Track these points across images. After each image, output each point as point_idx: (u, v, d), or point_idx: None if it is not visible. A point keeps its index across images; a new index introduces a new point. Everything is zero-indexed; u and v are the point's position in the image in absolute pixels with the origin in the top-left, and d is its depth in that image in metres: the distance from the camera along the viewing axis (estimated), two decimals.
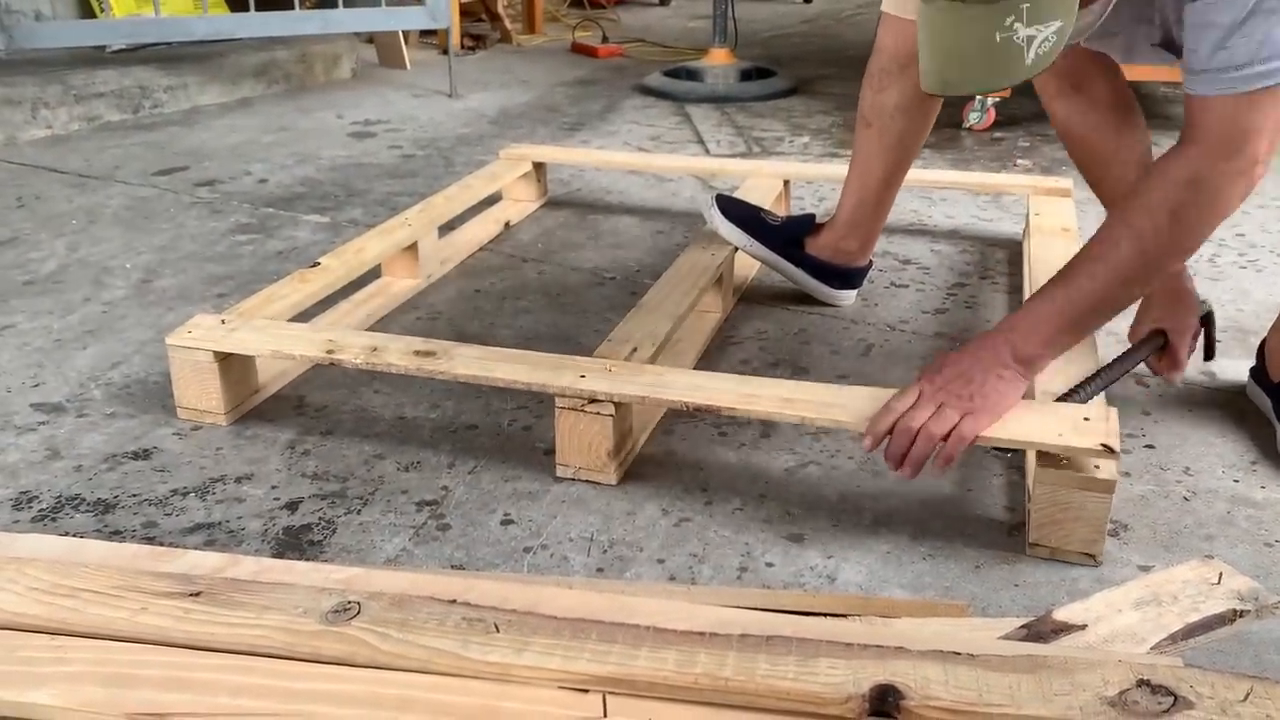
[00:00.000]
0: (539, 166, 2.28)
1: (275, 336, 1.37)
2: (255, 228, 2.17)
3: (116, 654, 0.84)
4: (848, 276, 1.77)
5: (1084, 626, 0.89)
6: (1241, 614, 0.91)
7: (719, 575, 1.11)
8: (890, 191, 1.71)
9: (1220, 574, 0.94)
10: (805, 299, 1.80)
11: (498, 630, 0.85)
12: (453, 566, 1.12)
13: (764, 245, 1.75)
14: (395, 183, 2.50)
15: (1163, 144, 2.72)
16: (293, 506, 1.22)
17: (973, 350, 1.19)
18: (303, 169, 2.60)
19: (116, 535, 1.17)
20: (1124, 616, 0.90)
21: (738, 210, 1.76)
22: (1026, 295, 1.63)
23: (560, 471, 1.27)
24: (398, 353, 1.32)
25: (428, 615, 0.87)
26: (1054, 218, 1.84)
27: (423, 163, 2.68)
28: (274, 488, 1.26)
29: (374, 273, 1.80)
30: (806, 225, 1.77)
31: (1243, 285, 1.87)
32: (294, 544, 1.16)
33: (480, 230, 2.08)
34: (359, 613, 0.88)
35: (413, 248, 1.81)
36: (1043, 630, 0.89)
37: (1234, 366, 1.56)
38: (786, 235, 1.75)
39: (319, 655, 0.84)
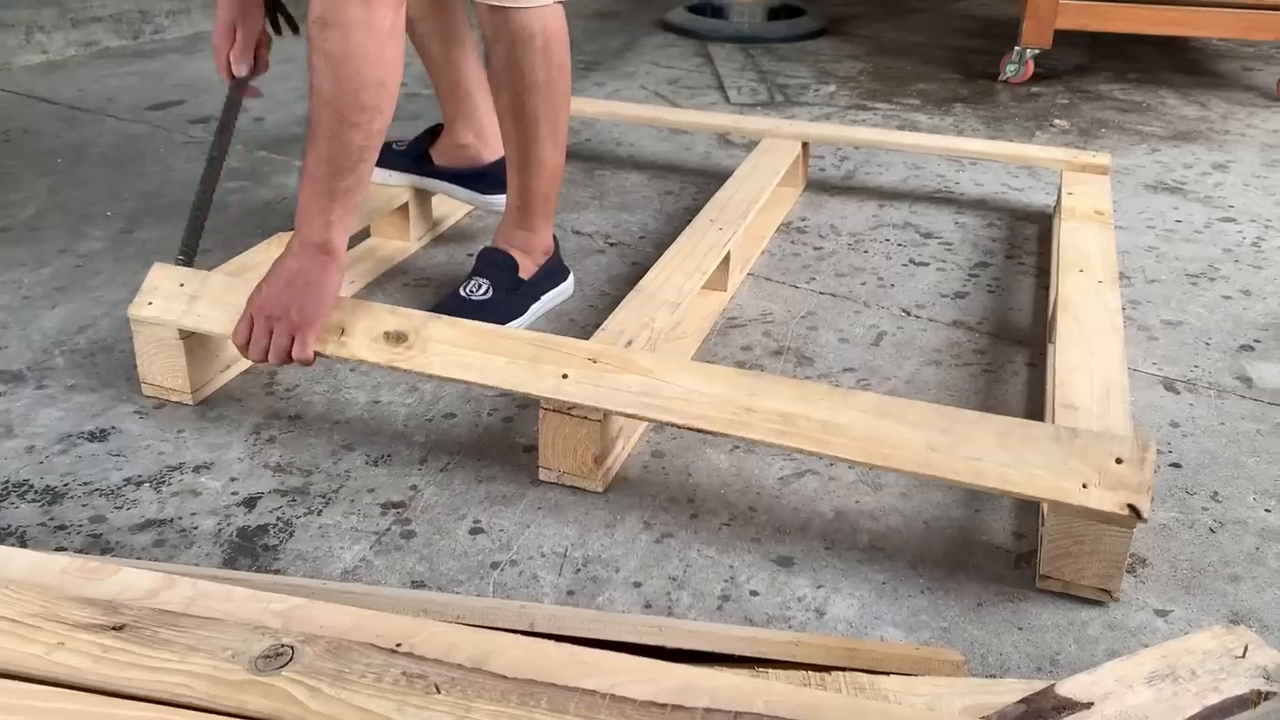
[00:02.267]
0: None
1: (236, 307, 1.27)
2: (246, 173, 2.07)
3: (22, 698, 0.77)
4: (487, 177, 1.68)
5: (1090, 705, 0.81)
6: (1267, 696, 0.82)
7: (698, 604, 1.03)
8: (457, 69, 1.63)
9: (1246, 646, 0.85)
10: (815, 278, 1.69)
11: (438, 691, 0.77)
12: (412, 583, 1.04)
13: (398, 171, 1.69)
14: (395, 126, 2.36)
15: (1211, 104, 2.57)
16: (251, 503, 1.15)
17: (280, 261, 1.23)
18: (303, 106, 2.48)
19: (61, 530, 1.10)
20: (1136, 694, 0.82)
21: None
22: (1054, 279, 1.52)
23: (543, 475, 1.19)
24: (366, 342, 1.23)
25: (365, 667, 0.79)
26: (1087, 199, 1.71)
27: (428, 102, 2.55)
28: (233, 480, 1.18)
29: (363, 232, 1.70)
30: (427, 137, 1.70)
31: None
32: (247, 548, 1.08)
33: None
34: (291, 659, 0.80)
35: (403, 208, 1.71)
36: (1044, 708, 0.80)
37: (1272, 371, 1.45)
38: (413, 154, 1.70)
39: (243, 709, 0.77)
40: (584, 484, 1.17)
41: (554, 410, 1.15)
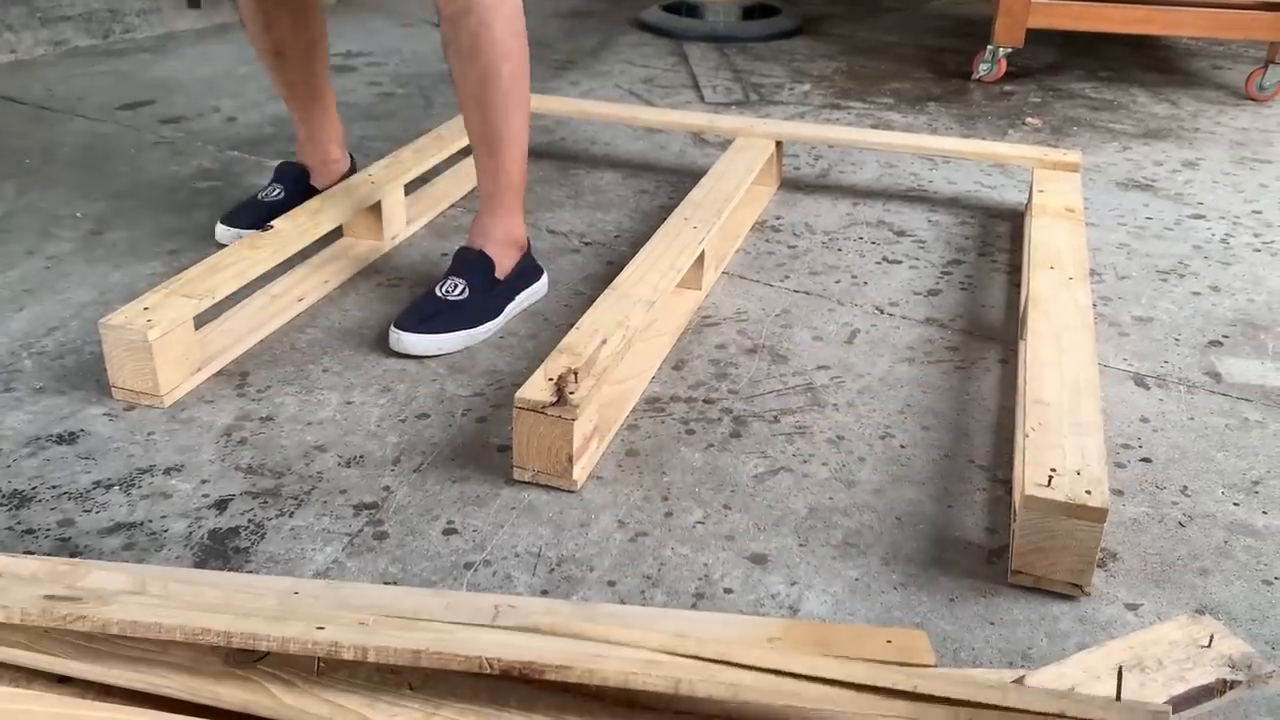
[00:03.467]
0: None
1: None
2: (218, 174, 2.05)
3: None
4: None
5: None
6: (1232, 684, 0.83)
7: (673, 602, 1.03)
8: (313, 71, 1.72)
9: (1211, 636, 0.86)
10: (789, 276, 1.70)
11: (411, 688, 0.77)
12: (385, 583, 1.04)
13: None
14: (370, 125, 2.37)
15: (1182, 102, 2.58)
16: (221, 506, 1.14)
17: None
18: (275, 106, 2.47)
19: (29, 534, 1.09)
20: (1103, 684, 0.82)
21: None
22: (1025, 276, 1.53)
23: (517, 474, 1.18)
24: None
25: (339, 663, 0.79)
26: (1058, 196, 1.73)
27: (401, 102, 2.55)
28: (204, 482, 1.17)
29: (335, 231, 1.69)
30: (300, 176, 1.79)
31: (1257, 272, 1.77)
32: (218, 550, 1.07)
33: (452, 185, 1.96)
34: (267, 654, 0.80)
35: (376, 207, 1.70)
36: None
37: (1241, 366, 1.47)
38: (299, 190, 1.77)
39: (219, 701, 0.77)
40: (558, 483, 1.17)
41: (528, 409, 1.15)
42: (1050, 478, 1.05)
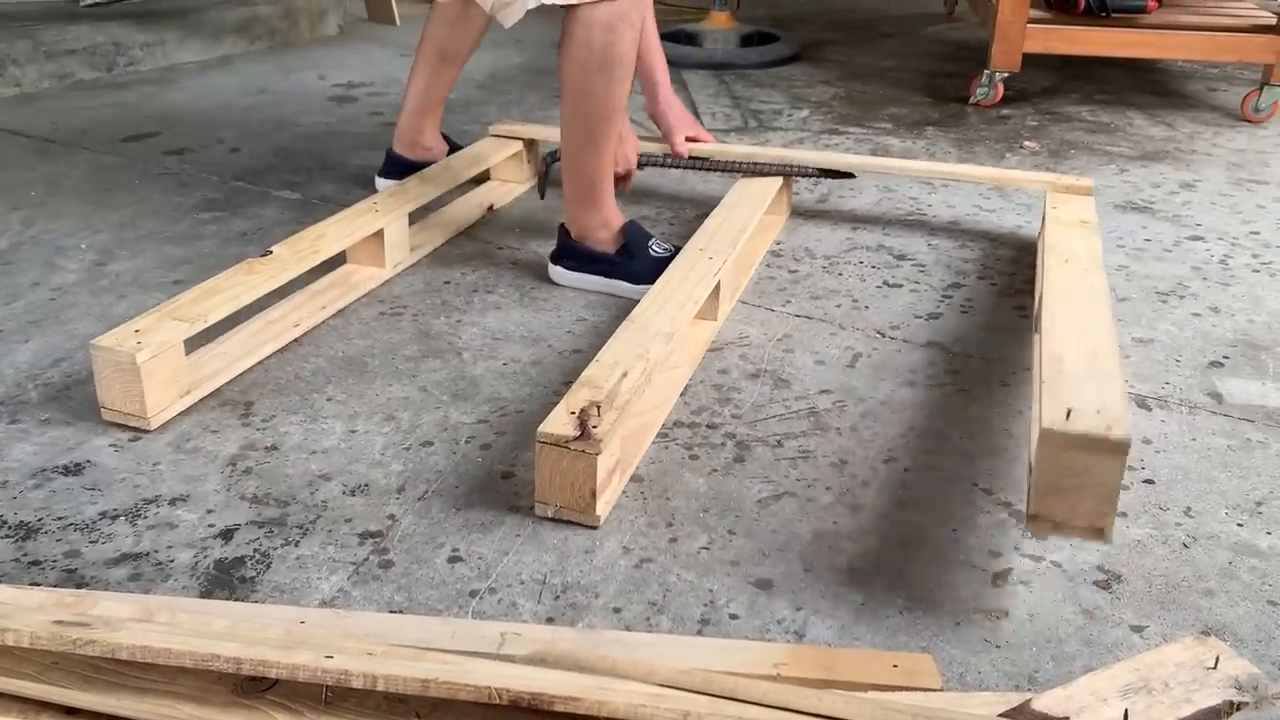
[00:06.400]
0: (529, 145, 2.17)
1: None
2: (221, 204, 2.07)
3: None
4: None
5: (1065, 719, 0.81)
6: (1238, 706, 0.83)
7: (678, 629, 1.03)
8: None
9: (1217, 657, 0.86)
10: (791, 301, 1.70)
11: (419, 717, 0.77)
12: (391, 612, 1.04)
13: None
14: (373, 155, 2.38)
15: (1178, 124, 2.60)
16: (227, 535, 1.14)
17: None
18: (278, 137, 2.49)
19: (35, 565, 1.09)
20: (1110, 707, 0.82)
21: None
22: (1037, 297, 1.53)
23: (539, 510, 1.17)
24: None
25: (347, 692, 0.79)
26: (1072, 211, 1.73)
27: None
28: (210, 512, 1.18)
29: (340, 257, 1.70)
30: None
31: (1256, 292, 1.77)
32: (224, 580, 1.08)
33: (459, 213, 1.97)
34: (276, 683, 0.80)
35: (378, 234, 1.71)
36: None
37: (1242, 387, 1.47)
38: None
39: None
40: (580, 518, 1.15)
41: (552, 444, 1.14)
42: (1069, 413, 1.01)
